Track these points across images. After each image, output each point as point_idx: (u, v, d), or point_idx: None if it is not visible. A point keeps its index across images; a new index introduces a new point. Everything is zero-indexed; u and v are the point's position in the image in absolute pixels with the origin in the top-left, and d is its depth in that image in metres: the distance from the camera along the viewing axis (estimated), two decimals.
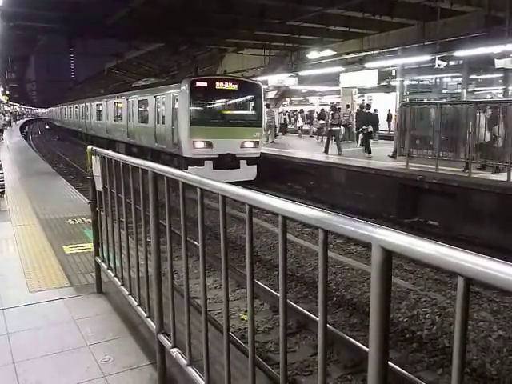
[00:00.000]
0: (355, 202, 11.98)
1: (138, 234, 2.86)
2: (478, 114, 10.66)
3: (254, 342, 1.72)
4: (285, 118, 32.60)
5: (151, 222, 2.49)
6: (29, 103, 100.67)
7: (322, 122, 23.73)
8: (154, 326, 2.53)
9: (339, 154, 15.15)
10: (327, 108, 28.59)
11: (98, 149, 3.55)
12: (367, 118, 17.01)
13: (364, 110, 18.57)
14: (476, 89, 19.10)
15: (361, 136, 17.00)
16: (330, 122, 16.55)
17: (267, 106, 20.92)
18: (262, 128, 15.04)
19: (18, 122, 55.64)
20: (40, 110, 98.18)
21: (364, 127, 16.19)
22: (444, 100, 16.56)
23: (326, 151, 15.81)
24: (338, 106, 19.41)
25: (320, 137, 23.25)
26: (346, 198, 12.42)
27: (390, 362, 4.12)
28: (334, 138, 16.03)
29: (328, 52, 19.48)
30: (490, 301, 6.12)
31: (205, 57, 27.92)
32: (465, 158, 10.71)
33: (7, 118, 28.44)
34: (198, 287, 2.61)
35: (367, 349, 1.15)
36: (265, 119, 17.66)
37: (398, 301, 6.03)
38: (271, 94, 26.81)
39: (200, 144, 13.69)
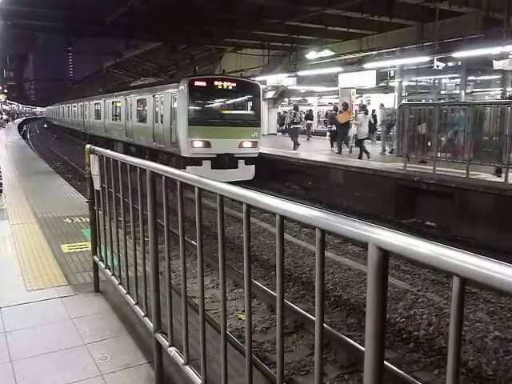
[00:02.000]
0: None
1: (135, 233, 2.86)
2: (359, 114, 13.04)
3: (251, 342, 1.72)
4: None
5: (149, 221, 2.49)
6: (27, 102, 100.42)
7: (309, 121, 25.39)
8: (152, 325, 2.53)
9: (294, 149, 17.21)
10: (322, 108, 28.64)
11: (96, 148, 3.54)
12: (329, 117, 20.05)
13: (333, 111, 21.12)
14: (474, 90, 19.16)
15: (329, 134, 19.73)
16: (294, 120, 18.24)
17: None
18: (260, 128, 15.02)
19: (15, 120, 55.53)
20: (38, 109, 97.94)
21: (329, 126, 19.27)
22: (442, 101, 16.61)
23: (295, 148, 17.48)
24: (299, 107, 22.43)
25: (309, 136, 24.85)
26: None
27: (386, 362, 4.14)
28: (295, 134, 17.90)
29: (327, 52, 19.50)
30: (487, 301, 6.13)
31: (203, 56, 27.92)
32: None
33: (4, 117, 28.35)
34: (196, 286, 2.61)
35: (364, 348, 1.15)
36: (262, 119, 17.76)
37: (396, 301, 6.04)
38: (270, 94, 26.77)
39: (198, 143, 13.68)
